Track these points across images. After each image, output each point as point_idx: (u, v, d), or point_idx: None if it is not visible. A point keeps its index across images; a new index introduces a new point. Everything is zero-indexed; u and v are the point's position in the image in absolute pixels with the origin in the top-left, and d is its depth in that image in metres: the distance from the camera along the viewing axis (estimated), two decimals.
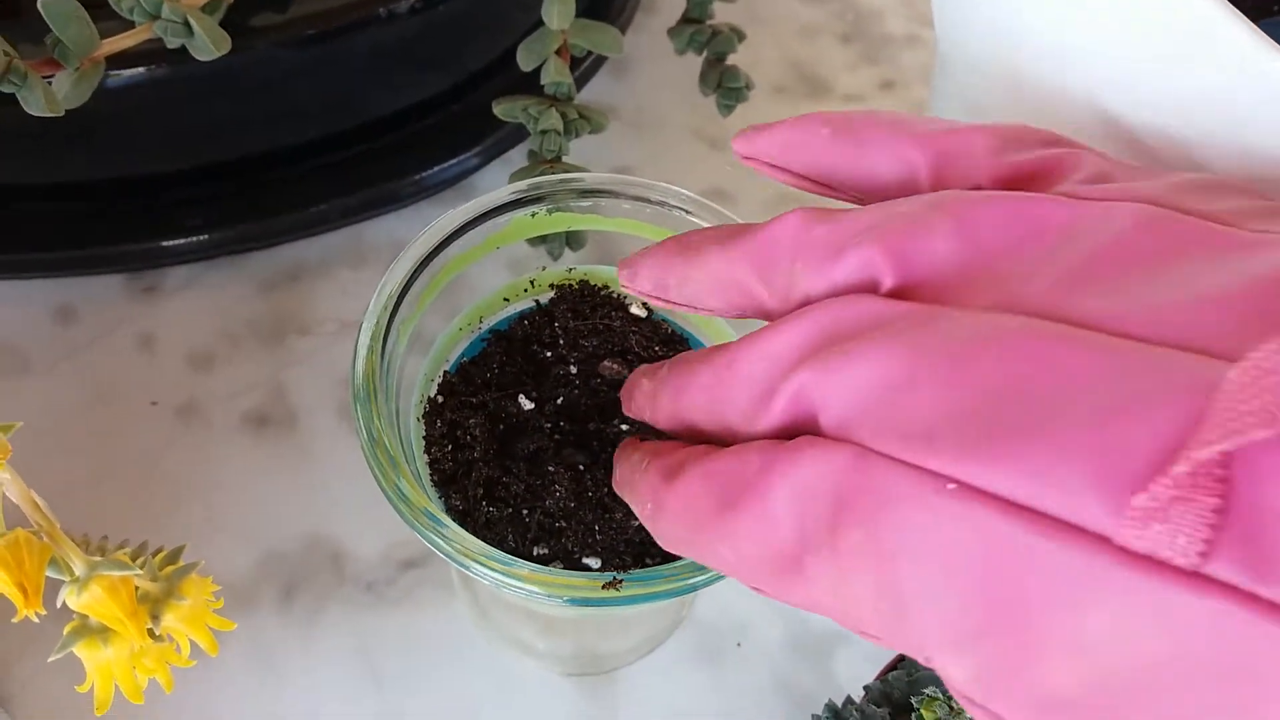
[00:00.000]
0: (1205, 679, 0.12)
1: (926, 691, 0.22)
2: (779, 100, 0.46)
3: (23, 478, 0.36)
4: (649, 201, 0.27)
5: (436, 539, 0.23)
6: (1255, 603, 0.12)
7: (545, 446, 0.27)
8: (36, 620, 0.16)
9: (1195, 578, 0.12)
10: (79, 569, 0.17)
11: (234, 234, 0.40)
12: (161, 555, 0.19)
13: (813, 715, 0.27)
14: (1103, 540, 0.13)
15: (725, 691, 0.35)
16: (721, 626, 0.36)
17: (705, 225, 0.27)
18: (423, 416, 0.28)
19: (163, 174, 0.39)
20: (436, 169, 0.41)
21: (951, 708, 0.21)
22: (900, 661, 0.29)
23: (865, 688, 0.28)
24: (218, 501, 0.37)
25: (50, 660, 0.18)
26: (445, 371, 0.29)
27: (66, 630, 0.18)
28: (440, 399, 0.28)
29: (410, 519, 0.23)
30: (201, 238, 0.39)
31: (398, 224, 0.42)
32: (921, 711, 0.22)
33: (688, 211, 0.27)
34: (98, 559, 0.17)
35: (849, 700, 0.27)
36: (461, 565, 0.23)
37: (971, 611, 0.14)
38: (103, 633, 0.18)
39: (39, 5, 0.24)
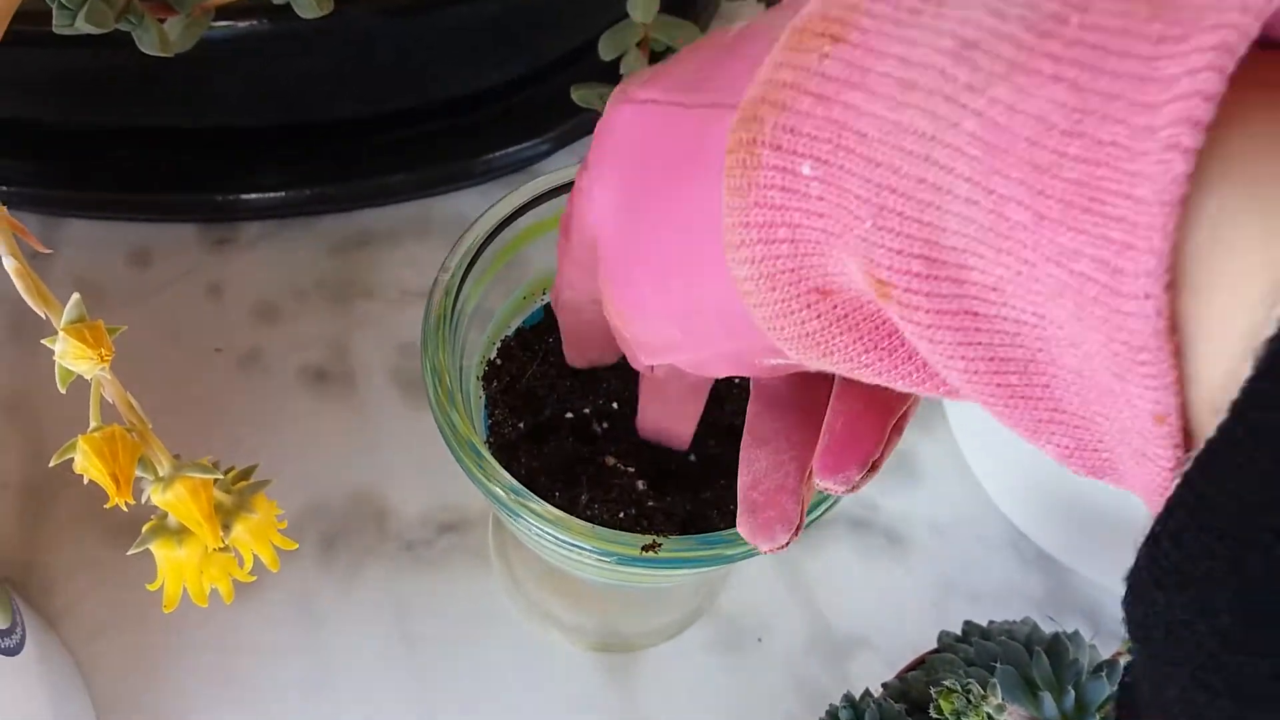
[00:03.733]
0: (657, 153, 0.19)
1: (945, 683, 0.22)
2: None
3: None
4: None
5: (476, 472, 0.24)
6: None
7: (598, 412, 0.28)
8: (125, 509, 0.18)
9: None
10: (164, 469, 0.18)
11: (310, 195, 0.41)
12: (234, 472, 0.20)
13: (830, 705, 0.28)
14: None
15: (742, 683, 0.36)
16: (744, 621, 0.37)
17: None
18: (482, 377, 0.29)
19: (248, 129, 0.40)
20: (507, 151, 0.42)
21: (969, 700, 0.22)
22: (920, 664, 0.30)
23: (884, 685, 0.29)
24: (269, 447, 0.38)
25: (129, 553, 0.19)
26: (505, 337, 0.30)
27: (145, 528, 0.19)
28: (499, 362, 0.29)
29: (455, 446, 0.24)
30: (279, 195, 0.41)
31: (465, 202, 0.44)
32: (940, 702, 0.22)
33: None
34: (182, 462, 0.18)
35: (866, 693, 0.28)
36: (503, 507, 0.24)
37: (625, 175, 0.20)
38: (179, 533, 0.19)
39: None
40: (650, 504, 0.28)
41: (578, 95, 0.34)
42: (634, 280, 0.20)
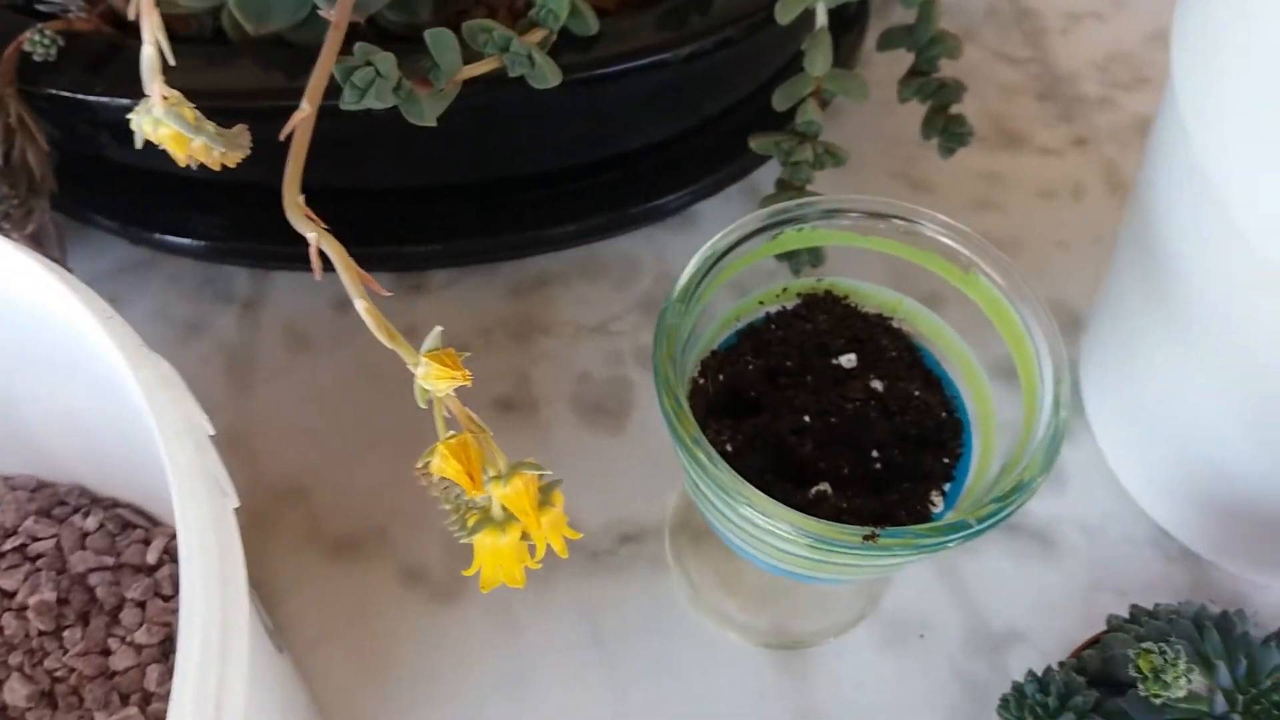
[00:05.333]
0: None
1: (1144, 645, 0.25)
2: (979, 150, 0.50)
3: (303, 439, 0.42)
4: (907, 221, 0.32)
5: (708, 464, 0.27)
6: None
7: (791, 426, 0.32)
8: (478, 501, 0.22)
9: None
10: (502, 467, 0.22)
11: (488, 245, 0.46)
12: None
13: (1013, 683, 0.31)
14: None
15: (906, 676, 0.39)
16: (905, 619, 0.40)
17: (965, 253, 0.32)
18: (688, 394, 0.33)
19: (434, 187, 0.45)
20: (666, 199, 0.46)
21: (1165, 659, 0.25)
22: (1093, 643, 0.33)
23: (1060, 663, 0.32)
24: None
25: (461, 540, 0.23)
26: (704, 359, 0.34)
27: (470, 522, 0.23)
28: (700, 380, 0.33)
29: (681, 432, 0.28)
30: (461, 244, 0.45)
31: (626, 245, 0.48)
32: (1139, 662, 0.25)
33: (945, 235, 0.32)
34: (514, 462, 0.22)
35: (1049, 669, 0.31)
36: (729, 497, 0.27)
37: None
38: (503, 523, 0.23)
39: (425, 35, 0.30)
40: (843, 505, 0.32)
41: (756, 144, 0.39)
42: None
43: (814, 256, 0.35)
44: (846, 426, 0.33)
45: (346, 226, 0.45)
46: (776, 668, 0.39)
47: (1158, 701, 0.25)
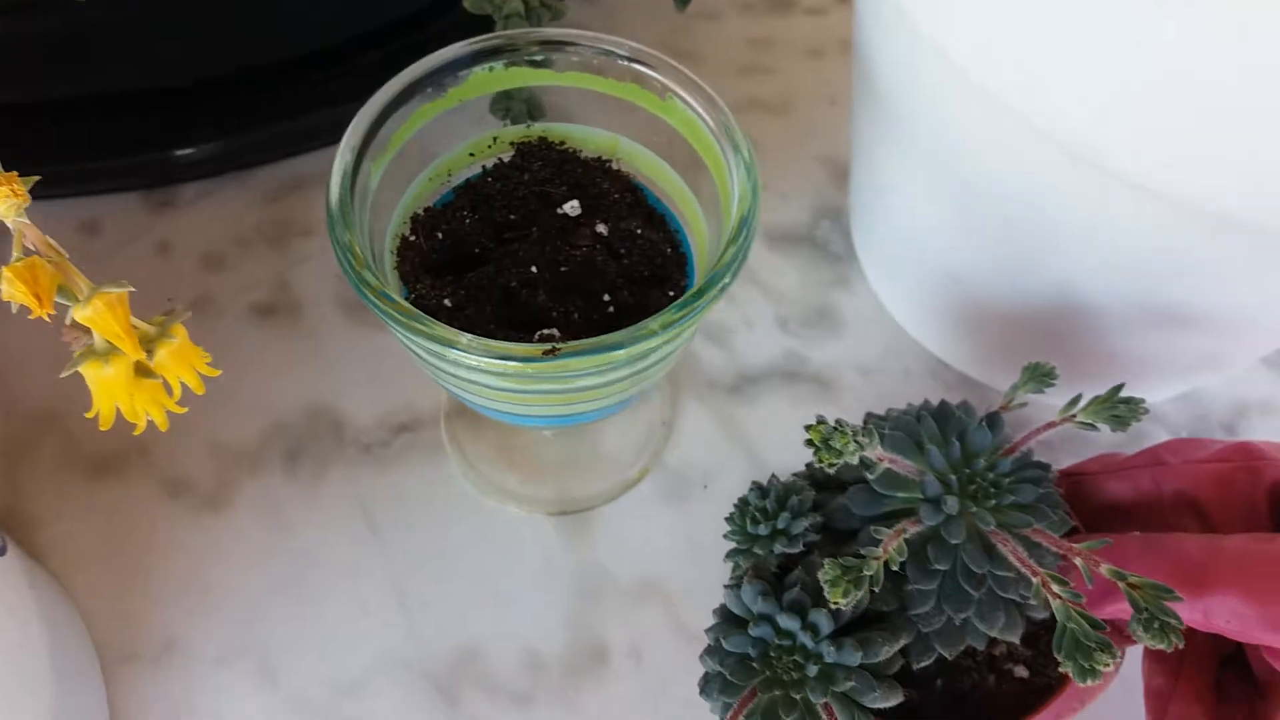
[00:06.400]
0: None
1: (816, 419, 0.25)
2: (749, 17, 0.50)
3: (55, 364, 0.41)
4: (599, 52, 0.31)
5: (384, 307, 0.26)
6: None
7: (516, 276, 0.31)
8: (48, 320, 0.20)
9: None
10: (84, 292, 0.21)
11: (240, 145, 0.44)
12: (160, 316, 0.23)
13: (739, 497, 0.30)
14: None
15: (692, 526, 0.39)
16: (689, 473, 0.40)
17: (658, 78, 0.31)
18: (396, 250, 0.32)
19: (173, 89, 0.43)
20: None
21: (837, 427, 0.24)
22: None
23: (794, 474, 0.32)
24: (228, 380, 0.41)
25: (61, 376, 0.22)
26: (415, 215, 0.33)
27: (75, 354, 0.22)
28: (412, 237, 0.32)
29: (369, 296, 0.27)
30: (210, 147, 0.44)
31: None
32: (810, 436, 0.25)
33: (638, 62, 0.31)
34: (100, 285, 0.21)
35: (772, 477, 0.30)
36: (414, 337, 0.26)
37: None
38: (106, 354, 0.21)
39: None
40: None
41: (469, 3, 0.37)
42: None
43: (533, 108, 0.34)
44: (576, 273, 0.32)
45: (72, 140, 0.44)
46: (562, 532, 0.39)
47: (832, 470, 0.25)
